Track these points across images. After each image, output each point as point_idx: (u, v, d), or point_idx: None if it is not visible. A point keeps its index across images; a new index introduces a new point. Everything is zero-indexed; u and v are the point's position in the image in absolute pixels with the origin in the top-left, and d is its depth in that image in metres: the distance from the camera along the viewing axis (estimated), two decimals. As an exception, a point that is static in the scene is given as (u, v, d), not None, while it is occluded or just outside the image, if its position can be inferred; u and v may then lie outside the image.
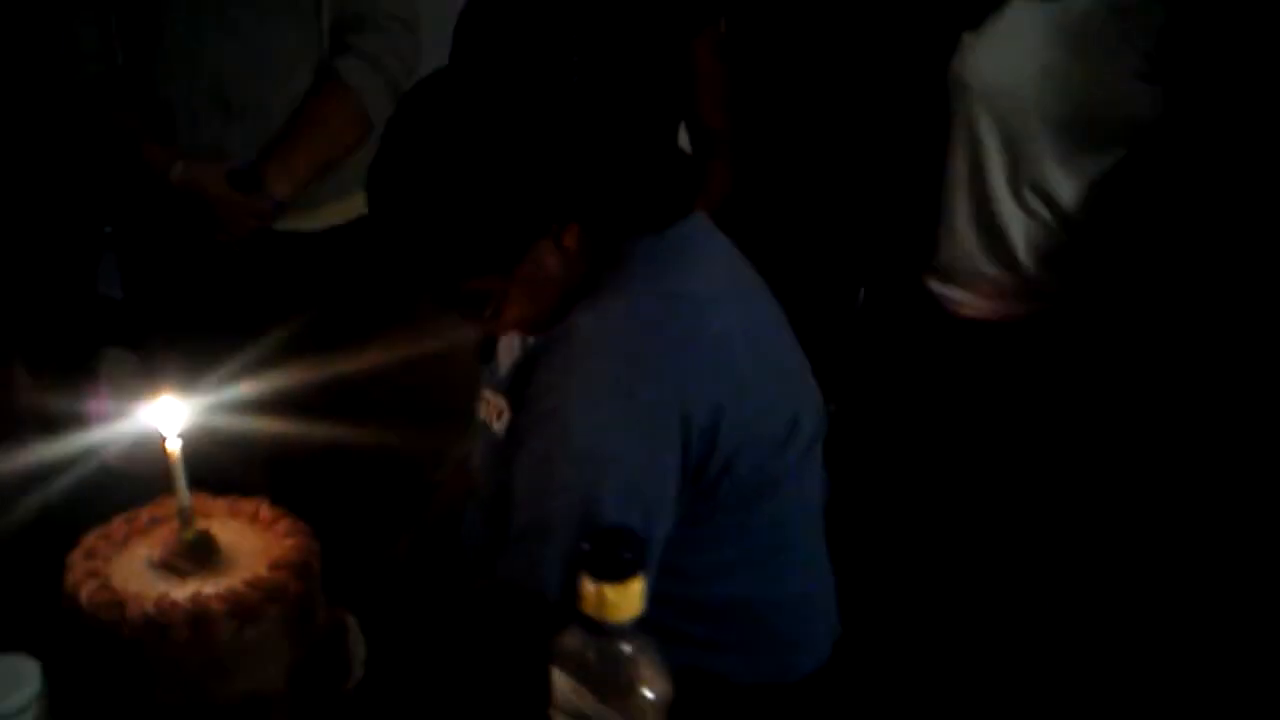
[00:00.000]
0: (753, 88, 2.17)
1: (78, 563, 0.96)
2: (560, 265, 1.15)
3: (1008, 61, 1.82)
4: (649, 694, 0.79)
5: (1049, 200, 1.85)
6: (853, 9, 2.08)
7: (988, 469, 1.97)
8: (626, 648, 0.79)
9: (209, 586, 0.94)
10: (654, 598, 1.08)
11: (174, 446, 0.95)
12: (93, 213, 2.17)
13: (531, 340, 1.23)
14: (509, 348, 1.34)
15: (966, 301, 1.95)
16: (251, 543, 1.01)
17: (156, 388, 0.97)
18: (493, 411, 1.24)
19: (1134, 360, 1.88)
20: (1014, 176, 1.85)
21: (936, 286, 1.98)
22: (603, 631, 0.78)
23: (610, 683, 0.79)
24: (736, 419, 1.15)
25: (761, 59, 2.16)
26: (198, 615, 0.91)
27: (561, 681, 0.81)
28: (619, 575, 0.77)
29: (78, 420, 1.39)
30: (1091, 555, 1.92)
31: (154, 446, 0.97)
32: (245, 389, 1.45)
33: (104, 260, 2.21)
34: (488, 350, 1.31)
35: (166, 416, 0.94)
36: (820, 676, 1.34)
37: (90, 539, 1.00)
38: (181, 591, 0.94)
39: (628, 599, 0.78)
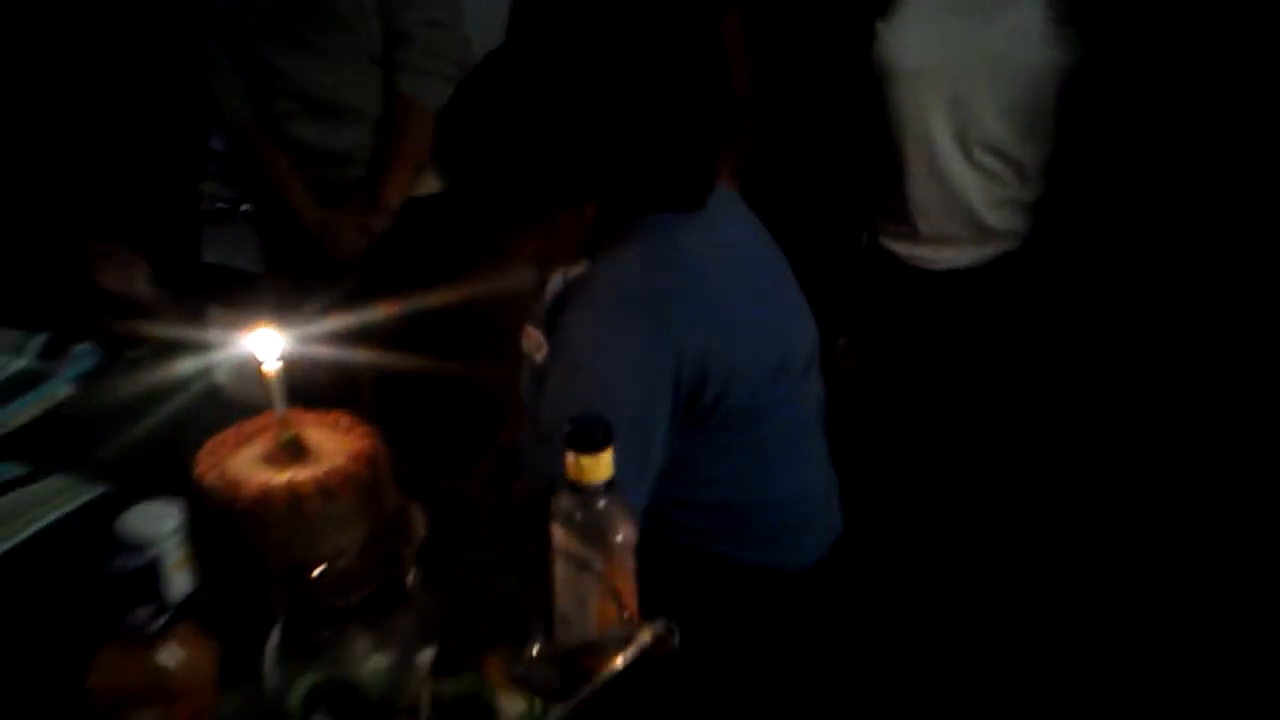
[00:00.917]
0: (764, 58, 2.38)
1: (203, 459, 1.26)
2: (575, 231, 1.40)
3: (924, 39, 1.97)
4: (619, 537, 1.05)
5: (999, 155, 2.01)
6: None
7: (965, 395, 2.18)
8: (601, 503, 1.04)
9: (301, 474, 1.23)
10: (656, 497, 1.34)
11: (272, 369, 1.24)
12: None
13: (564, 282, 1.49)
14: (552, 288, 1.56)
15: (935, 257, 2.13)
16: (334, 443, 1.29)
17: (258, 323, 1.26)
18: (534, 344, 1.50)
19: (1094, 290, 2.04)
20: (961, 141, 2.01)
21: (904, 248, 2.16)
22: (583, 491, 1.04)
23: (591, 530, 1.05)
24: (725, 358, 1.38)
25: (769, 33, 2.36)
26: (292, 495, 1.20)
27: (557, 533, 1.07)
28: (592, 448, 1.03)
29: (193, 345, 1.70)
30: (1068, 469, 2.11)
31: (255, 370, 1.26)
32: (334, 322, 1.76)
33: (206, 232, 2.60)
34: None
35: (266, 344, 1.22)
36: (816, 570, 1.57)
37: (211, 443, 1.30)
38: (280, 478, 1.22)
39: (600, 466, 1.03)
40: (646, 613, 1.06)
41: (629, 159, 1.38)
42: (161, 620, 0.88)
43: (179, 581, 1.13)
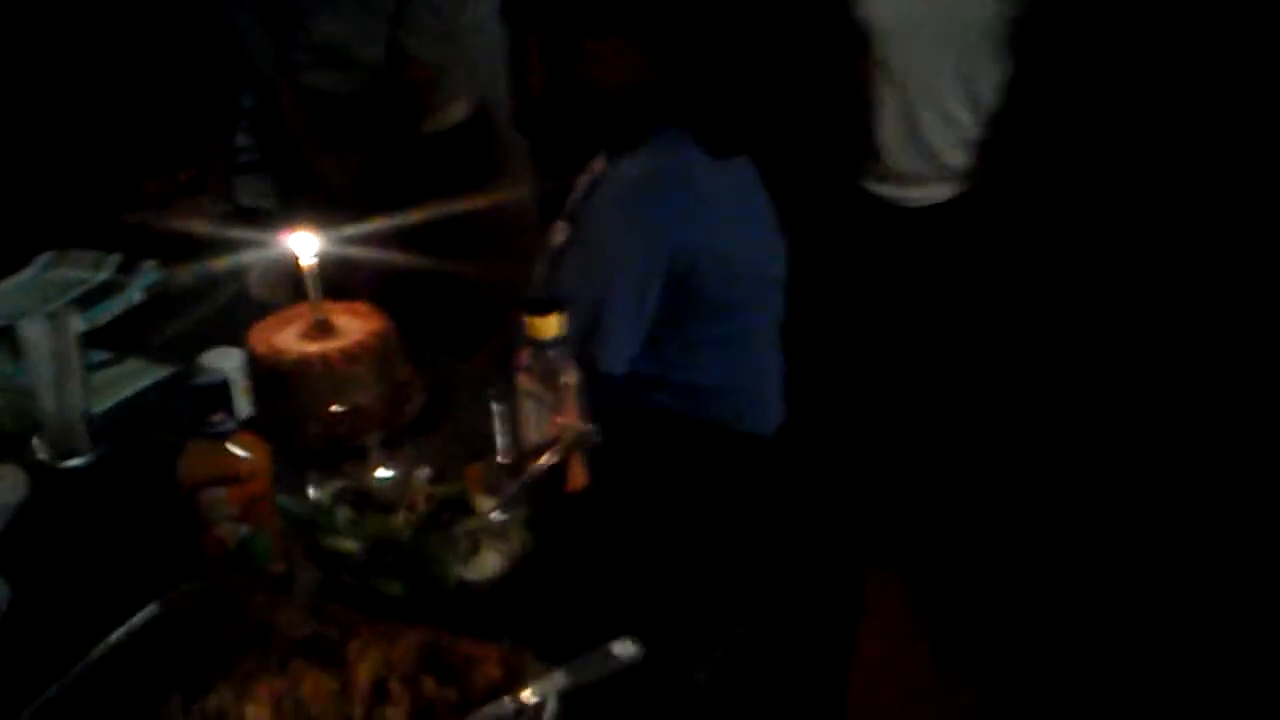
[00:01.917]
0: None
1: (254, 334, 1.63)
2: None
3: (898, 2, 2.27)
4: (565, 380, 1.41)
5: (962, 101, 2.32)
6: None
7: (930, 320, 2.50)
8: (551, 354, 1.40)
9: (330, 345, 1.60)
10: (640, 378, 1.70)
11: (308, 263, 1.60)
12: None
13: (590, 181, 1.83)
14: (580, 187, 1.91)
15: (902, 195, 2.43)
16: (356, 325, 1.65)
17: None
18: (557, 233, 1.86)
19: (1049, 229, 2.36)
20: (929, 90, 2.30)
21: (875, 187, 2.46)
22: (537, 345, 1.40)
23: (545, 374, 1.41)
24: (712, 254, 1.74)
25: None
26: (324, 359, 1.57)
27: (521, 378, 1.43)
28: (544, 312, 1.39)
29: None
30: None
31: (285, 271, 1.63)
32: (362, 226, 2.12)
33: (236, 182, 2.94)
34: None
35: (302, 243, 1.58)
36: (773, 442, 1.91)
37: (259, 324, 1.66)
38: (314, 347, 1.59)
39: (549, 325, 1.39)
40: (628, 474, 1.41)
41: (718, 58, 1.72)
42: (233, 424, 1.25)
43: (243, 404, 1.52)
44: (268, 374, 1.58)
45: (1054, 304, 2.41)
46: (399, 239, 2.28)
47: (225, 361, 1.58)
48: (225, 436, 1.25)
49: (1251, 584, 2.31)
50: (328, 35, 2.57)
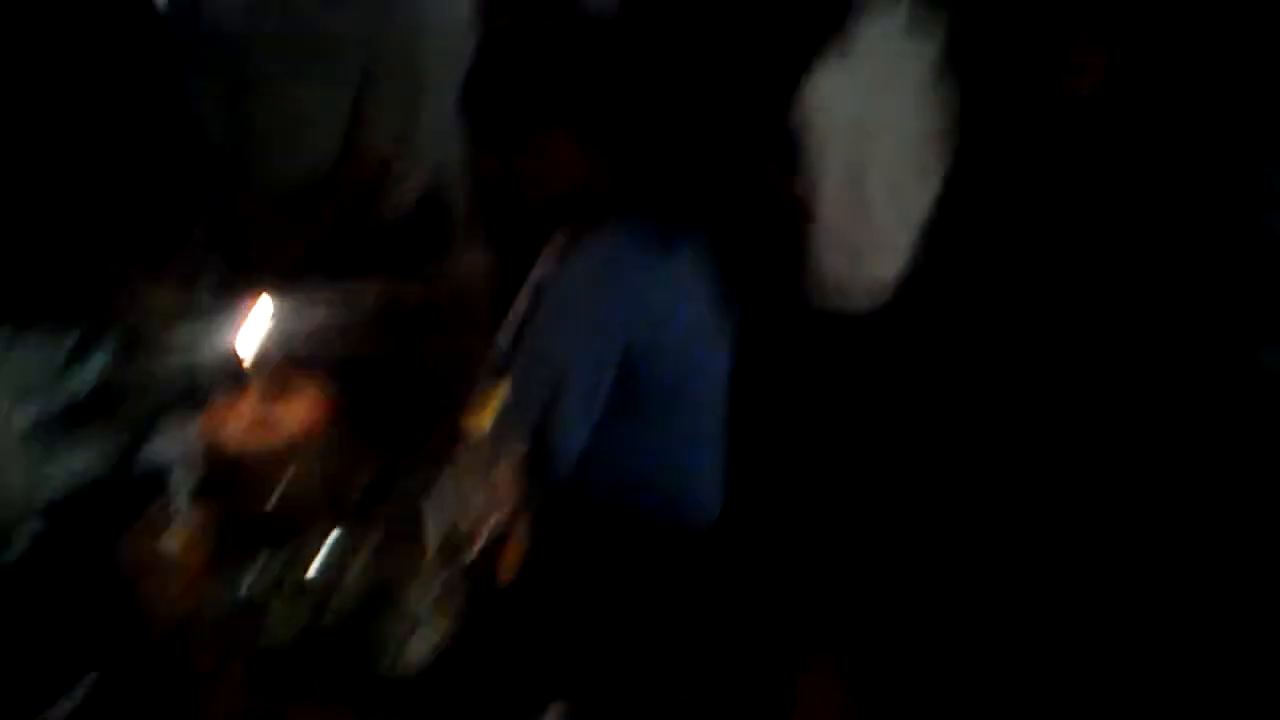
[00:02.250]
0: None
1: (201, 419, 1.66)
2: (567, 173, 1.77)
3: (836, 102, 2.36)
4: (505, 464, 1.45)
5: (899, 197, 2.40)
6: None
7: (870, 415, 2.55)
8: (488, 440, 1.45)
9: (276, 430, 1.63)
10: (582, 454, 1.74)
11: (255, 345, 1.63)
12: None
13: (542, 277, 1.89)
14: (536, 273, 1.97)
15: (845, 298, 2.50)
16: (302, 408, 1.67)
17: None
18: (520, 304, 1.91)
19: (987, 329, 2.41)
20: (864, 184, 2.38)
21: (816, 287, 2.51)
22: (479, 428, 1.44)
23: (485, 458, 1.45)
24: (666, 341, 1.78)
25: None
26: (269, 444, 1.60)
27: (461, 461, 1.47)
28: (482, 401, 1.43)
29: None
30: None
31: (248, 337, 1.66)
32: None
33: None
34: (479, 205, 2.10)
35: (249, 325, 1.62)
36: (708, 534, 1.94)
37: (208, 409, 1.69)
38: (260, 433, 1.62)
39: (485, 415, 1.43)
40: (562, 563, 1.46)
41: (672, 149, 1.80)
42: (174, 511, 1.28)
43: (185, 491, 1.55)
44: (212, 460, 1.61)
45: (988, 405, 2.45)
46: (348, 318, 2.32)
47: (170, 448, 1.62)
48: (165, 524, 1.28)
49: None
50: (285, 105, 2.57)
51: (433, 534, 1.49)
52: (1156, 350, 2.24)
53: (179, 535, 1.28)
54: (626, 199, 1.80)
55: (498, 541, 1.39)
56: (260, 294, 1.70)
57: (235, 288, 2.74)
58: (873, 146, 2.36)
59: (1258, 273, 2.02)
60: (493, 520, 1.41)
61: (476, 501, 1.44)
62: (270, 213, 2.67)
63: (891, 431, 2.51)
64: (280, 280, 2.55)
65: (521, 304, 1.95)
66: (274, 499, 1.59)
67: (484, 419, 1.43)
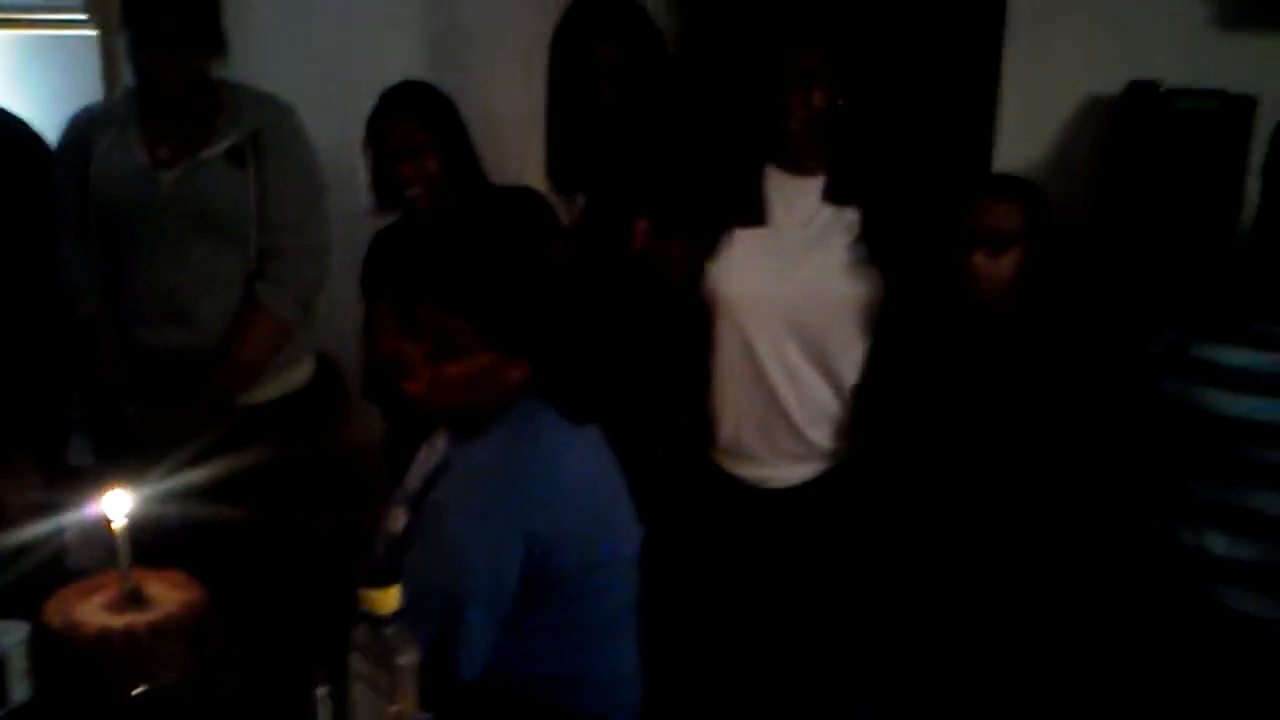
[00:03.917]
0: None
1: (51, 604, 1.45)
2: (499, 385, 1.64)
3: (746, 275, 2.28)
4: (402, 661, 1.27)
5: (819, 373, 2.32)
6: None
7: (790, 600, 2.41)
8: (389, 631, 1.27)
9: (137, 618, 1.43)
10: (491, 664, 1.56)
11: (118, 525, 1.45)
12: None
13: (434, 464, 1.73)
14: (418, 468, 1.81)
15: (762, 476, 2.36)
16: (168, 595, 1.49)
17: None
18: (396, 519, 1.74)
19: (914, 504, 2.31)
20: (782, 362, 2.28)
21: (731, 465, 2.38)
22: (373, 620, 1.27)
23: (379, 654, 1.27)
24: (570, 535, 1.62)
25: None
26: (128, 633, 1.40)
27: (354, 659, 1.29)
28: (382, 583, 1.26)
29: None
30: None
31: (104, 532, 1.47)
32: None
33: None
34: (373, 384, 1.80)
35: (115, 505, 1.44)
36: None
37: (58, 593, 1.49)
38: (118, 620, 1.42)
39: (388, 599, 1.26)
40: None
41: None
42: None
43: (20, 687, 1.33)
44: (59, 651, 1.40)
45: (921, 584, 2.35)
46: (226, 499, 2.13)
47: (5, 637, 1.38)
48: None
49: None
50: (173, 285, 2.44)
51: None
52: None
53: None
54: (531, 387, 1.68)
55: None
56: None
57: (107, 463, 2.58)
58: (781, 317, 2.29)
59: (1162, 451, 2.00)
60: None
61: (374, 700, 1.26)
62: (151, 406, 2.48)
63: (825, 605, 2.38)
64: (155, 459, 2.40)
65: (414, 482, 1.79)
66: (133, 692, 1.38)
67: (383, 604, 1.26)
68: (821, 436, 2.34)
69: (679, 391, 2.42)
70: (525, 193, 2.48)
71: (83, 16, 3.33)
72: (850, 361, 2.31)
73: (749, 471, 2.39)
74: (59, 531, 1.86)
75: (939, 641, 2.31)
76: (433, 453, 1.79)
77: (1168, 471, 1.99)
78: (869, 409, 2.33)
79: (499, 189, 2.50)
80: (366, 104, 2.48)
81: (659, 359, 2.40)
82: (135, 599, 1.46)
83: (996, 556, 2.23)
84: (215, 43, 2.43)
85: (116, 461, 2.44)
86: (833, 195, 2.30)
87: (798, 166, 2.31)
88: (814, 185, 2.31)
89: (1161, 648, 2.03)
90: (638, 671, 1.84)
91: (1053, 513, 2.18)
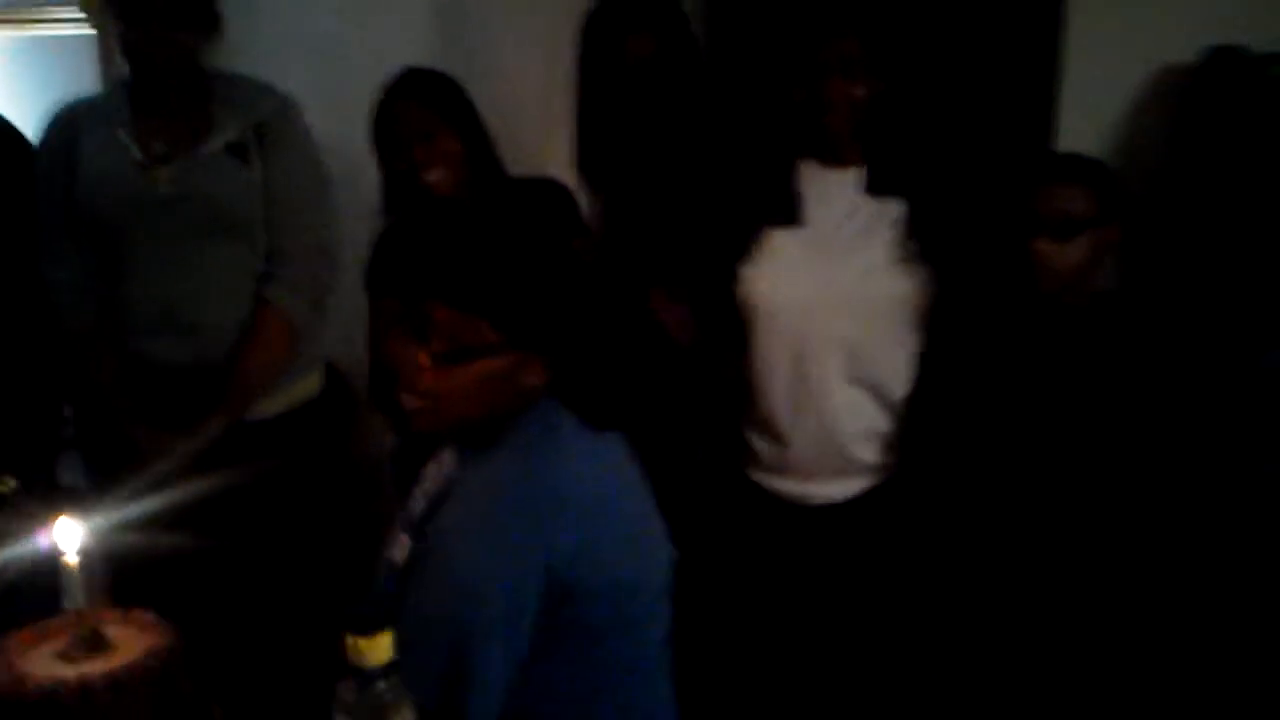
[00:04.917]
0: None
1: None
2: (515, 390, 1.45)
3: (784, 280, 2.08)
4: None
5: (863, 387, 2.12)
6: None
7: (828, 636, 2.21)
8: (380, 685, 1.07)
9: (94, 666, 1.24)
10: (506, 711, 1.36)
11: (72, 560, 1.26)
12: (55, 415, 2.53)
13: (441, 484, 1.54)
14: (423, 490, 1.61)
15: (804, 491, 2.16)
16: (132, 640, 1.30)
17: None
18: (399, 549, 1.54)
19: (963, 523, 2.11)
20: (825, 374, 2.07)
21: (772, 481, 2.19)
22: (361, 674, 1.07)
23: (371, 713, 1.07)
24: (594, 568, 1.42)
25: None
26: (82, 685, 1.20)
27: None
28: (369, 631, 1.06)
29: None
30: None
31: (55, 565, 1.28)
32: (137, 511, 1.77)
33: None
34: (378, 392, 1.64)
35: (66, 536, 1.25)
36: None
37: (10, 640, 1.30)
38: (72, 670, 1.23)
39: (378, 649, 1.06)
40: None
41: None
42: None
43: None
44: (1, 707, 1.20)
45: (982, 612, 2.13)
46: (230, 521, 1.94)
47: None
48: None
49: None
50: (172, 294, 2.27)
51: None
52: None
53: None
54: (549, 390, 1.48)
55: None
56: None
57: (102, 484, 2.41)
58: (823, 323, 2.08)
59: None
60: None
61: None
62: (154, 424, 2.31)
63: (867, 628, 2.16)
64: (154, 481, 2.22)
65: (419, 504, 1.58)
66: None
67: (375, 654, 1.06)
68: (868, 450, 2.14)
69: (714, 403, 2.24)
70: (546, 184, 2.31)
71: (82, 16, 3.25)
72: (899, 369, 2.11)
73: (790, 488, 2.19)
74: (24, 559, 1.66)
75: (998, 676, 2.10)
76: (439, 471, 1.59)
77: None
78: (920, 419, 2.12)
79: (517, 180, 2.32)
80: (370, 95, 2.30)
81: (691, 365, 2.23)
82: (93, 644, 1.27)
83: (1067, 585, 2.02)
84: (207, 19, 2.27)
85: (112, 482, 2.25)
86: (874, 187, 2.10)
87: (833, 158, 2.11)
88: (852, 177, 2.10)
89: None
90: (672, 712, 1.63)
91: (1142, 540, 1.96)
